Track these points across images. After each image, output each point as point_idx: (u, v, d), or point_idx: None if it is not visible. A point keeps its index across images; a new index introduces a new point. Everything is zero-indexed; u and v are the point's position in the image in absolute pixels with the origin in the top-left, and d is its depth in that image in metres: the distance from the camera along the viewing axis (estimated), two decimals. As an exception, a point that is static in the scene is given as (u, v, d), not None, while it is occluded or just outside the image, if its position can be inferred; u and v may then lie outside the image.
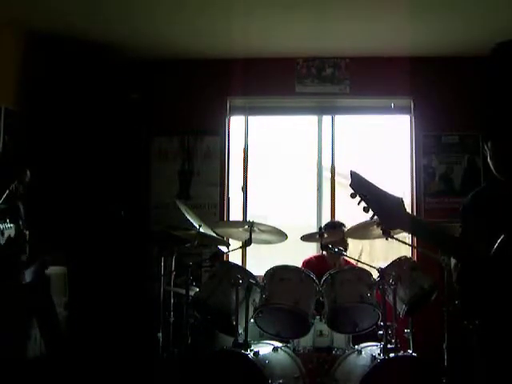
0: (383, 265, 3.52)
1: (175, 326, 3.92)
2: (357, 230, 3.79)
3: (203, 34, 4.85)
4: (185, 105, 5.33)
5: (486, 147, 2.22)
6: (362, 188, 1.94)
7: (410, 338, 3.47)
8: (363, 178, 1.96)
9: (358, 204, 1.97)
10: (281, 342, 3.58)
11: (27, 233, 3.73)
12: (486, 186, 2.37)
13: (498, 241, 1.94)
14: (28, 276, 3.64)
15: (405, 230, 2.25)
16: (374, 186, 1.95)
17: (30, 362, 3.66)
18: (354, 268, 3.85)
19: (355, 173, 1.98)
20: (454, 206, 2.29)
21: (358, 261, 4.07)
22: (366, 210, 1.96)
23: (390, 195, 1.95)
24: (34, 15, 4.47)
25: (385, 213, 1.93)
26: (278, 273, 3.51)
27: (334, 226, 4.44)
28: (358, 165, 6.15)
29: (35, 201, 4.31)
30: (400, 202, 1.93)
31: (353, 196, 1.97)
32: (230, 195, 5.42)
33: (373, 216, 1.95)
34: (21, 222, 3.66)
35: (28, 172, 3.70)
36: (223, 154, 5.38)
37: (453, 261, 2.27)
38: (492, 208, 2.12)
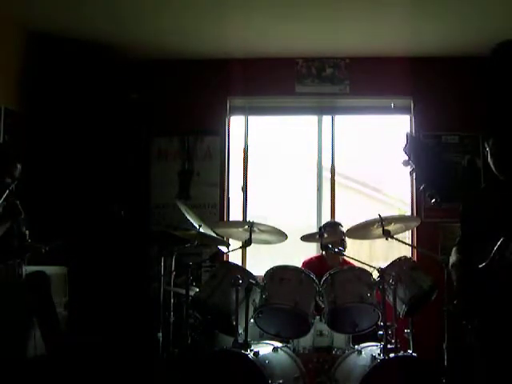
0: (383, 265, 3.51)
1: (175, 326, 3.92)
2: (357, 229, 3.79)
3: (203, 34, 4.85)
4: (185, 105, 5.33)
5: (486, 146, 2.22)
6: (416, 155, 1.74)
7: (410, 338, 3.46)
8: (420, 144, 1.77)
9: (411, 174, 1.78)
10: (281, 342, 3.57)
11: (27, 232, 3.73)
12: (485, 187, 2.37)
13: (498, 243, 1.94)
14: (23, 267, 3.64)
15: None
16: (431, 154, 1.76)
17: (30, 361, 3.66)
18: (354, 268, 3.84)
19: (412, 136, 1.79)
20: (454, 207, 2.27)
21: (357, 261, 4.07)
22: (417, 181, 1.76)
23: (448, 165, 1.76)
24: (33, 15, 4.47)
25: (436, 186, 1.74)
26: (278, 273, 3.50)
27: (334, 226, 4.44)
28: (357, 165, 6.16)
29: (35, 200, 4.31)
30: (457, 174, 1.73)
31: (405, 164, 1.78)
32: (230, 195, 5.42)
33: (422, 189, 1.77)
34: (20, 221, 3.66)
35: (19, 166, 3.68)
36: (223, 154, 5.38)
37: (451, 259, 2.27)
38: (492, 208, 2.12)
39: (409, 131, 1.67)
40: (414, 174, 1.73)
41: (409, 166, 1.73)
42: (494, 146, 2.17)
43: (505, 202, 2.11)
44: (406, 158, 1.72)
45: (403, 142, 1.70)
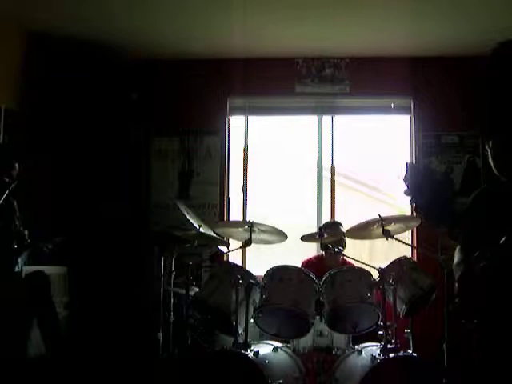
0: (383, 265, 3.51)
1: (175, 326, 3.92)
2: (357, 230, 3.79)
3: (203, 34, 4.85)
4: (185, 105, 5.33)
5: (487, 147, 2.21)
6: (414, 185, 1.70)
7: (410, 338, 3.46)
8: (420, 174, 1.73)
9: (410, 203, 1.76)
10: (281, 342, 3.58)
11: (26, 232, 3.73)
12: (486, 188, 2.36)
13: (499, 244, 1.93)
14: (21, 262, 3.64)
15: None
16: (431, 183, 1.72)
17: (30, 361, 3.66)
18: (354, 268, 3.84)
19: (412, 165, 1.74)
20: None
21: (357, 261, 4.06)
22: (416, 210, 1.76)
23: (444, 194, 1.74)
24: (33, 15, 4.47)
25: (430, 215, 1.73)
26: (278, 273, 3.50)
27: (334, 226, 4.44)
28: (358, 165, 6.16)
29: (35, 200, 4.32)
30: (451, 200, 1.72)
31: (406, 193, 1.77)
32: (230, 195, 5.42)
33: (418, 215, 1.77)
34: (17, 222, 3.66)
35: (16, 165, 3.68)
36: (223, 154, 5.38)
37: (455, 259, 2.26)
38: (493, 210, 2.12)
39: (409, 161, 1.63)
40: (414, 204, 1.71)
41: (410, 196, 1.72)
42: (495, 148, 2.16)
43: (506, 202, 2.11)
44: (406, 187, 1.71)
45: (403, 171, 1.69)
